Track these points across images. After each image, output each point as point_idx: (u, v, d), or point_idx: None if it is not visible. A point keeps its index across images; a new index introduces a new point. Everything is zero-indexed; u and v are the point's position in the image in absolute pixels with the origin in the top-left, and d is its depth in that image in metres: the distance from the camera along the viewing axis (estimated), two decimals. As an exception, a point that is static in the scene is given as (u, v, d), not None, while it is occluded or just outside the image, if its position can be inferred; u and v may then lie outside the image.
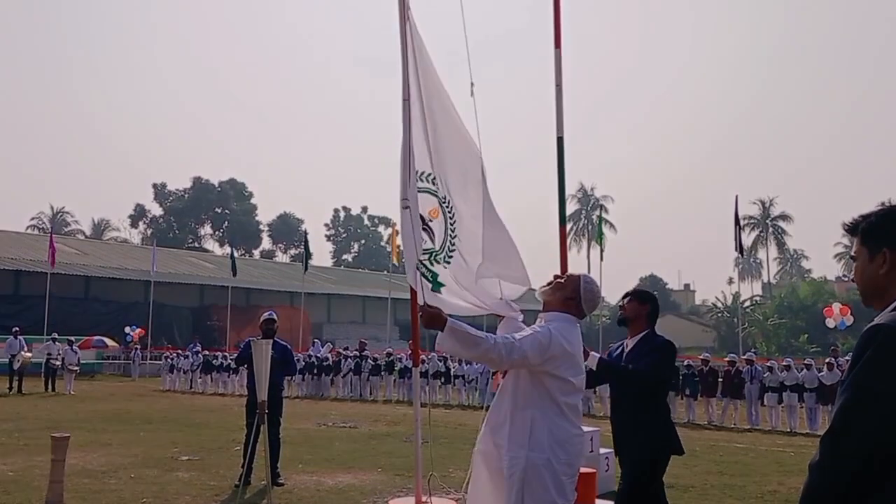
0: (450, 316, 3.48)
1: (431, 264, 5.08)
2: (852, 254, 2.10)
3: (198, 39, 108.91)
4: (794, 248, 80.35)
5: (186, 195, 76.21)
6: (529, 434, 3.44)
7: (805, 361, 18.52)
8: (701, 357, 19.32)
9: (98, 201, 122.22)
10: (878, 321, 1.85)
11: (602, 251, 31.30)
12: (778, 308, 57.96)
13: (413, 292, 5.04)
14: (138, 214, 76.34)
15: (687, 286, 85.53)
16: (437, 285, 4.98)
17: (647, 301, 4.99)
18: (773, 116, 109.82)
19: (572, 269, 4.81)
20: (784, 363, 18.02)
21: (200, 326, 43.85)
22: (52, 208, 76.74)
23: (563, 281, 3.77)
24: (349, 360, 24.00)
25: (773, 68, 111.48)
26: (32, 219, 74.90)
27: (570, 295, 3.70)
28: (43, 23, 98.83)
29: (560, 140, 6.07)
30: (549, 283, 3.80)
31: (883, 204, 2.19)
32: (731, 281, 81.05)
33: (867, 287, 2.01)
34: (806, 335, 52.37)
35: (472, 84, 5.06)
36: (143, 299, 39.15)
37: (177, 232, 74.90)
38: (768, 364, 18.46)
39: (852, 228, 2.08)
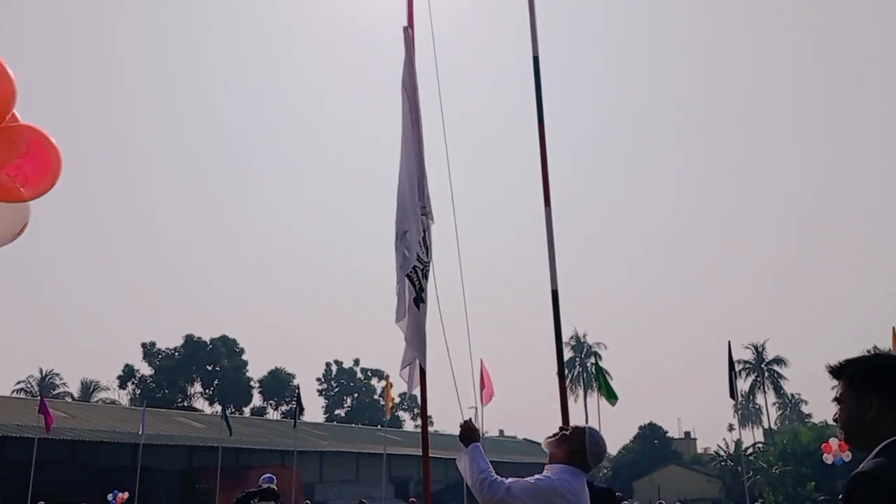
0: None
1: (423, 277, 5.06)
2: (837, 395, 2.21)
3: (188, 197, 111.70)
4: (792, 392, 79.63)
5: (177, 354, 75.46)
6: None
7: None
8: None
9: (87, 362, 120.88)
10: (862, 468, 1.95)
11: (610, 397, 29.71)
12: (781, 455, 56.48)
13: (427, 467, 5.12)
14: (127, 374, 75.17)
15: (687, 434, 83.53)
16: (420, 298, 4.99)
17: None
18: (763, 259, 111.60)
19: (574, 421, 4.83)
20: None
21: (189, 490, 42.20)
22: (40, 371, 75.72)
23: (568, 433, 3.72)
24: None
25: (763, 210, 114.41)
26: (19, 382, 73.55)
27: (576, 448, 3.63)
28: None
29: (555, 293, 6.25)
30: (554, 435, 3.74)
31: (868, 351, 2.35)
32: (731, 427, 79.68)
33: (853, 430, 2.13)
34: (813, 483, 50.77)
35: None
36: (131, 463, 37.95)
37: (166, 391, 73.50)
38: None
39: (837, 372, 2.21)
